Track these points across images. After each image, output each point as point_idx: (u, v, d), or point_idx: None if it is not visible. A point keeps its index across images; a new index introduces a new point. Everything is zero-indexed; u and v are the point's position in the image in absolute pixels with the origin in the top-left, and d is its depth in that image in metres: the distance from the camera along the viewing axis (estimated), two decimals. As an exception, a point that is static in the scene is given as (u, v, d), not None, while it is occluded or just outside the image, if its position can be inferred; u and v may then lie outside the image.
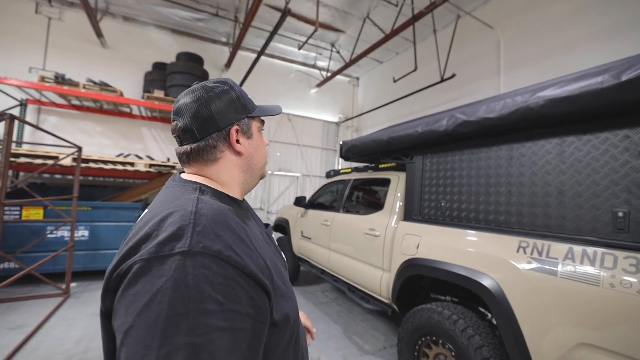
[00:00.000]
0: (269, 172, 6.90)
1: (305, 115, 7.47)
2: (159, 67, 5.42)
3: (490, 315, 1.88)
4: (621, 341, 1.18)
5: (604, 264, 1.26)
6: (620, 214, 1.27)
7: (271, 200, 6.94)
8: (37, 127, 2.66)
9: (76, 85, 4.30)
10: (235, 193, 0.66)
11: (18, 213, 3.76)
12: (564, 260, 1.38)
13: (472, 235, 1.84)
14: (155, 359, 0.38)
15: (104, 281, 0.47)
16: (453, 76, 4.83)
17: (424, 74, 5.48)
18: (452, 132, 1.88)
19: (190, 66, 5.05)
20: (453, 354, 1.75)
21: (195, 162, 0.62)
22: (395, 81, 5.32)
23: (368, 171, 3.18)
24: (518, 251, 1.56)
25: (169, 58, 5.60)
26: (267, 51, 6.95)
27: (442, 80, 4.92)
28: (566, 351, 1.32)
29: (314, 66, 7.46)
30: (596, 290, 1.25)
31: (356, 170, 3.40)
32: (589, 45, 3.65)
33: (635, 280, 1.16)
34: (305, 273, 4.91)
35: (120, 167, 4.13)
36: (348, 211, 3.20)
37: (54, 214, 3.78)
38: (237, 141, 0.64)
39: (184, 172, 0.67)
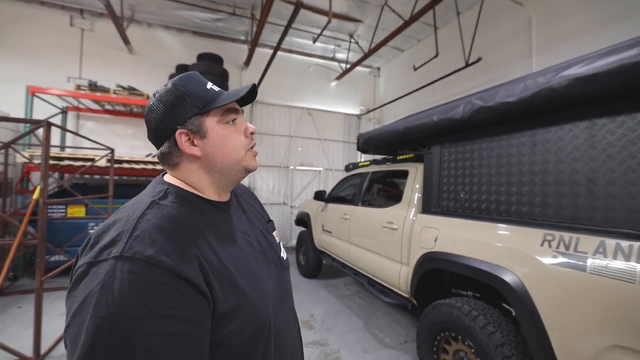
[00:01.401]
0: (291, 167, 6.96)
1: (326, 109, 7.41)
2: (181, 68, 5.61)
3: (514, 312, 1.78)
4: (659, 343, 1.07)
5: (640, 259, 1.14)
6: (660, 203, 1.14)
7: (294, 194, 7.02)
8: (71, 132, 2.87)
9: (107, 91, 4.58)
10: (209, 194, 0.64)
11: (64, 211, 4.12)
12: (594, 255, 1.27)
13: (492, 228, 1.74)
14: (77, 356, 0.40)
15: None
16: (478, 60, 4.56)
17: (447, 60, 5.21)
18: (469, 119, 1.78)
19: (210, 66, 5.18)
20: (473, 350, 1.69)
21: (164, 166, 0.64)
22: (415, 69, 5.12)
23: (386, 163, 3.10)
24: (542, 244, 1.45)
25: (191, 59, 5.78)
26: (284, 46, 6.96)
27: (467, 65, 4.65)
28: (596, 352, 1.22)
29: (332, 58, 7.36)
30: (631, 287, 1.14)
31: (374, 162, 3.34)
32: (636, 16, 3.26)
33: (677, 277, 1.04)
34: (327, 266, 4.93)
35: (149, 167, 4.37)
36: (367, 204, 3.16)
37: (94, 211, 4.10)
38: (193, 143, 0.60)
39: None
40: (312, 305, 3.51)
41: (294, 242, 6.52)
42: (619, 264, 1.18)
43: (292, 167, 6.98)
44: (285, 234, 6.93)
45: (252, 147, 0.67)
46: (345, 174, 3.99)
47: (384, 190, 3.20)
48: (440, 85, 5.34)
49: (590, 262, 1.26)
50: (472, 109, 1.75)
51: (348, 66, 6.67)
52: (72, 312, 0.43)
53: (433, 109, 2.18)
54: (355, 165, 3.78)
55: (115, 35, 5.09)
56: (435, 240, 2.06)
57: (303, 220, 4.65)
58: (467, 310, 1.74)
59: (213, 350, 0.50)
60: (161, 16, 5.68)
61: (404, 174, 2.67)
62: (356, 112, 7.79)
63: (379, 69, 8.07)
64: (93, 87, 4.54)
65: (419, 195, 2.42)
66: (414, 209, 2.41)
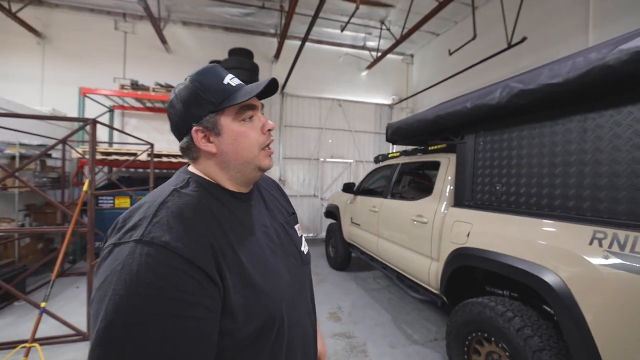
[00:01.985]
0: (321, 159, 6.96)
1: (356, 100, 7.26)
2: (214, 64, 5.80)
3: (556, 317, 1.63)
4: None
5: None
6: None
7: (324, 187, 7.02)
8: (114, 128, 3.10)
9: (147, 89, 4.88)
10: (228, 186, 0.65)
11: (112, 202, 4.50)
12: (655, 256, 1.10)
13: (532, 224, 1.59)
14: (96, 330, 0.43)
15: None
16: (523, 40, 4.15)
17: (486, 43, 4.83)
18: (507, 104, 1.62)
19: (241, 61, 5.29)
20: (507, 354, 1.58)
21: (186, 159, 0.66)
22: (450, 53, 4.81)
23: (417, 154, 2.97)
24: (591, 243, 1.30)
25: (224, 55, 5.93)
26: (314, 37, 6.89)
27: (510, 47, 4.27)
28: (654, 366, 1.07)
29: (363, 47, 7.15)
30: (701, 295, 0.98)
31: (404, 153, 3.21)
32: None
33: None
34: (356, 259, 4.90)
35: (185, 160, 4.61)
36: (396, 197, 3.06)
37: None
38: (209, 140, 0.61)
39: None
40: (339, 297, 3.51)
41: (324, 234, 6.55)
42: (688, 268, 1.02)
43: (322, 160, 6.97)
44: (316, 226, 6.99)
45: (268, 146, 0.66)
46: (375, 166, 3.89)
47: (414, 183, 3.07)
48: (480, 71, 4.97)
49: (650, 264, 1.10)
50: (510, 93, 1.59)
51: (379, 54, 6.45)
52: (96, 288, 0.47)
53: (467, 95, 2.02)
54: (385, 157, 3.67)
55: (153, 36, 5.38)
56: (468, 235, 1.94)
57: (332, 212, 4.64)
58: (501, 311, 1.63)
59: (222, 338, 0.51)
60: (194, 14, 5.89)
61: (436, 166, 2.54)
62: (388, 102, 7.54)
63: (412, 56, 7.71)
64: (135, 86, 4.86)
65: (451, 187, 2.29)
66: (445, 202, 2.28)
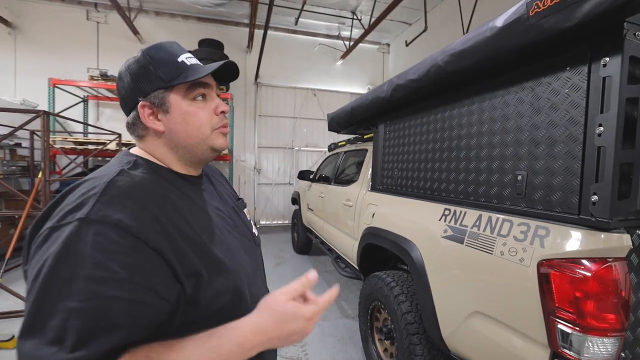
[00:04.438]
0: (296, 148, 7.12)
1: (331, 89, 7.37)
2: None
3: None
4: (502, 310, 1.13)
5: (500, 231, 1.18)
6: (520, 177, 1.15)
7: (300, 175, 7.23)
8: (67, 118, 3.25)
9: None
10: (178, 168, 0.62)
11: (84, 189, 4.70)
12: (471, 228, 1.31)
13: (411, 204, 1.80)
14: (38, 320, 0.38)
15: (26, 242, 0.48)
16: (476, 30, 4.27)
17: (448, 34, 4.93)
18: (391, 97, 1.80)
19: (209, 52, 5.39)
20: (390, 318, 1.81)
21: (132, 136, 0.62)
22: (407, 44, 4.92)
23: (357, 142, 3.15)
24: (440, 219, 1.51)
25: (196, 45, 6.03)
26: (288, 26, 6.95)
27: (465, 37, 4.39)
28: (463, 319, 1.29)
29: (338, 37, 7.21)
30: (489, 258, 1.19)
31: (348, 142, 3.39)
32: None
33: (520, 247, 1.08)
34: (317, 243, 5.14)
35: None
36: (337, 183, 3.26)
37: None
38: (157, 117, 0.58)
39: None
40: (292, 278, 3.62)
41: (297, 221, 6.79)
42: (486, 235, 1.22)
43: (297, 148, 7.14)
44: (291, 214, 7.21)
45: (221, 126, 0.63)
46: (328, 154, 4.08)
47: (351, 169, 3.27)
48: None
49: (467, 234, 1.31)
50: (391, 87, 1.76)
51: (352, 44, 6.53)
52: (32, 278, 0.42)
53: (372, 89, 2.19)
54: (336, 145, 3.85)
55: (125, 27, 5.45)
56: (373, 216, 2.15)
57: (295, 199, 4.85)
58: (387, 282, 1.85)
59: (194, 311, 0.51)
60: (166, 4, 5.95)
61: (365, 153, 2.73)
62: (363, 91, 7.64)
63: (388, 45, 7.78)
64: (104, 76, 4.98)
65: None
66: (366, 187, 2.48)
